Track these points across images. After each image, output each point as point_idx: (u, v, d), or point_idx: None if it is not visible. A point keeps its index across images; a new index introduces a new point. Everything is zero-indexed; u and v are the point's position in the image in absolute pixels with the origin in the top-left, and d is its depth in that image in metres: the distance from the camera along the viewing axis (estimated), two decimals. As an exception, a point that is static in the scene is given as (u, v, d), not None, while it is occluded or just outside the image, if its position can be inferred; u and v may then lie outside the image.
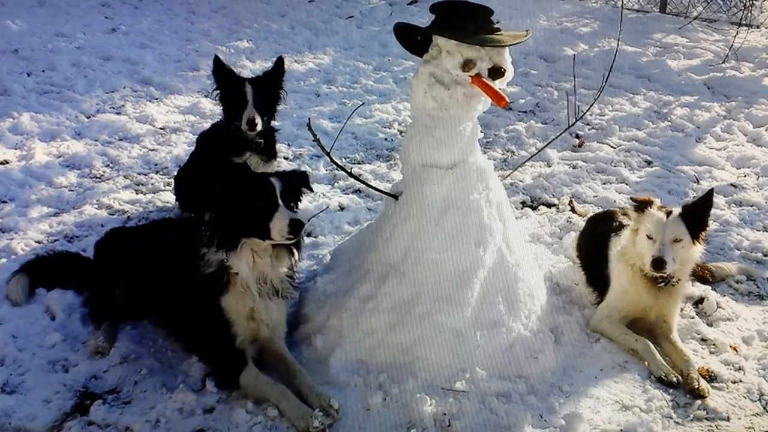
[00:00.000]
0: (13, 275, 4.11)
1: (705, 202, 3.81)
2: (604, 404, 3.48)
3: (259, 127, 4.69)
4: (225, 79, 4.73)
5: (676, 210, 3.81)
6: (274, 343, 3.63)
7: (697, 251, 3.85)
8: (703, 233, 3.81)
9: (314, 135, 3.95)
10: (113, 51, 8.83)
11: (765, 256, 4.96)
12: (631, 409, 3.44)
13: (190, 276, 3.48)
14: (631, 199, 4.08)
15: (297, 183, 3.58)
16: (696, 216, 3.77)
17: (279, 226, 3.29)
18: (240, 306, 3.49)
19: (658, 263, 3.69)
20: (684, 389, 3.58)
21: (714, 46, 9.84)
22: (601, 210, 5.13)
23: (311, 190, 3.77)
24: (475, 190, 3.86)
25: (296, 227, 3.29)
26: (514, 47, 3.76)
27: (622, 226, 4.15)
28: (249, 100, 4.63)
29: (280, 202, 3.33)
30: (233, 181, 3.44)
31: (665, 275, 3.78)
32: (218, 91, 4.79)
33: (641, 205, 3.89)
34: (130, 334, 3.86)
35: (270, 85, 4.78)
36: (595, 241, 4.31)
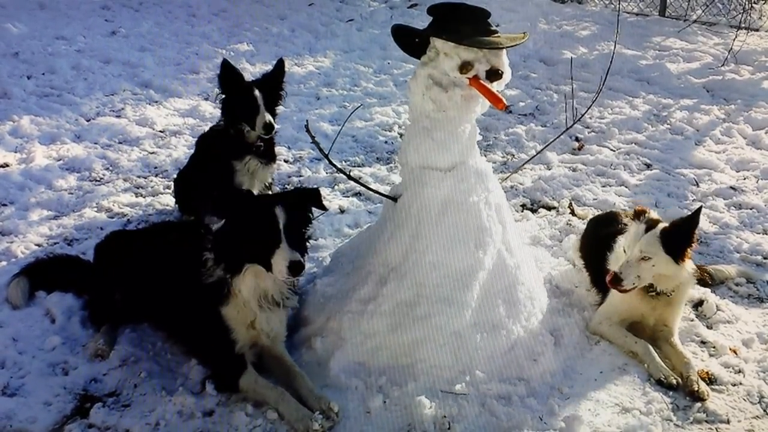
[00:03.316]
0: (13, 278, 4.11)
1: (691, 221, 3.75)
2: (603, 407, 3.48)
3: (275, 130, 4.72)
4: (233, 83, 4.68)
5: (660, 226, 3.76)
6: (274, 347, 3.63)
7: (680, 269, 3.76)
8: (688, 251, 3.76)
9: (312, 137, 3.96)
10: (113, 54, 8.84)
11: (764, 258, 4.97)
12: (631, 412, 3.44)
13: (191, 281, 3.48)
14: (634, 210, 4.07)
15: (306, 205, 3.47)
16: (680, 234, 3.72)
17: (279, 265, 3.22)
18: (240, 316, 3.49)
19: (615, 279, 3.74)
20: (684, 392, 3.58)
21: (713, 50, 9.85)
22: (602, 212, 5.13)
23: (323, 209, 3.62)
24: (474, 192, 3.86)
25: (296, 270, 3.21)
26: (514, 50, 3.76)
27: (624, 228, 4.15)
28: (261, 104, 4.64)
29: (282, 237, 3.22)
30: (238, 208, 3.35)
31: (627, 290, 3.76)
32: (223, 95, 4.75)
33: (636, 215, 3.90)
34: (130, 337, 3.86)
35: (271, 87, 4.78)
36: (599, 242, 4.29)
